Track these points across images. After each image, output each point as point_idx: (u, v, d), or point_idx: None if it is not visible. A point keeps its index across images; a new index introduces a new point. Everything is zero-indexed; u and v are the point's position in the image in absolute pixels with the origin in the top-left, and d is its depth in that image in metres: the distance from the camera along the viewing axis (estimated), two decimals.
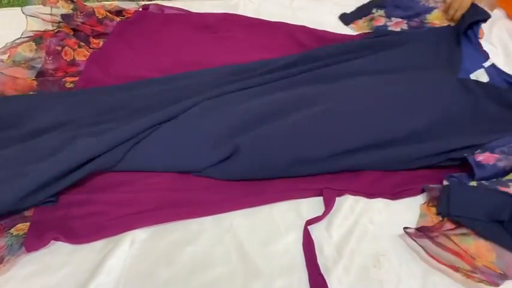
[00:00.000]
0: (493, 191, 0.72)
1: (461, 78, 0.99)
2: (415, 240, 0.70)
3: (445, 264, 0.68)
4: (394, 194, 0.80)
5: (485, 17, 1.03)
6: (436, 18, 1.15)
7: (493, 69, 1.00)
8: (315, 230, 0.75)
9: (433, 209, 0.77)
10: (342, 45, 1.11)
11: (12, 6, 1.47)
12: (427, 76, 0.98)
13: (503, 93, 0.94)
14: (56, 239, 0.76)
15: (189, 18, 1.27)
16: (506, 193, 0.71)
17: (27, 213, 0.78)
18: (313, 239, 0.74)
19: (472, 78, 0.99)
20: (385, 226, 0.76)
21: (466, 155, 0.79)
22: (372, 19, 1.22)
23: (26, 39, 1.14)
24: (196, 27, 1.24)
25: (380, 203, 0.79)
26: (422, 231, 0.72)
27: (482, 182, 0.74)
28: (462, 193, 0.73)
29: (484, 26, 1.15)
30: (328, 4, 1.33)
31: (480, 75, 0.99)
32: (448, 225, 0.73)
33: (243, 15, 1.27)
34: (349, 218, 0.77)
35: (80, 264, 0.73)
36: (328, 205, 0.77)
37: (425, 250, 0.70)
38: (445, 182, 0.76)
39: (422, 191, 0.80)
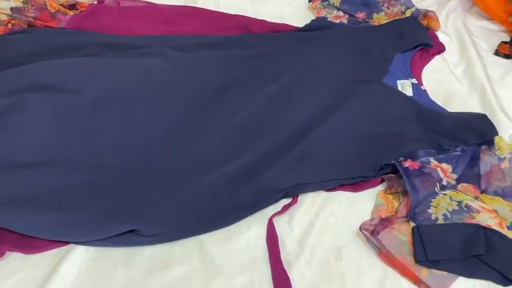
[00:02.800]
0: (461, 225, 0.70)
1: (387, 85, 0.98)
2: (369, 239, 0.70)
3: (393, 266, 0.69)
4: (355, 186, 0.80)
5: (427, 42, 1.06)
6: (378, 19, 1.16)
7: (417, 88, 0.97)
8: (277, 225, 0.74)
9: (390, 197, 0.77)
10: (275, 35, 1.12)
11: None
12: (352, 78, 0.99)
13: (425, 113, 0.90)
14: (11, 251, 0.72)
15: (145, 11, 1.23)
16: (475, 225, 0.69)
17: None
18: None
19: (398, 85, 0.98)
20: (346, 218, 0.76)
21: (393, 161, 0.80)
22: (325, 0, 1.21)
23: None
24: (153, 20, 1.21)
25: (341, 195, 0.79)
26: (377, 226, 0.72)
27: (447, 215, 0.72)
28: (434, 235, 0.69)
29: (440, 18, 1.16)
30: None
31: (405, 86, 0.97)
32: (402, 212, 0.74)
33: (201, 8, 1.24)
34: (311, 211, 0.77)
35: (33, 270, 0.70)
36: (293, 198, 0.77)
37: (377, 250, 0.70)
38: (411, 223, 0.72)
39: (382, 180, 0.80)
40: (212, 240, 0.73)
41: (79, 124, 0.81)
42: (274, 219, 0.74)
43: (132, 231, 0.71)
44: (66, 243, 0.73)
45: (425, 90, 0.97)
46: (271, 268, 0.69)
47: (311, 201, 0.78)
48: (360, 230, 0.71)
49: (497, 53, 1.08)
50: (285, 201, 0.78)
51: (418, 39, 1.07)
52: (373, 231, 0.71)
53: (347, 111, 0.91)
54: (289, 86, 0.96)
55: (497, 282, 0.66)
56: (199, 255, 0.71)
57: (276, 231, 0.73)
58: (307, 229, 0.74)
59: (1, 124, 0.79)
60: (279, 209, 0.76)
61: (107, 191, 0.75)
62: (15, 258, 0.72)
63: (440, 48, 1.09)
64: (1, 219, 0.72)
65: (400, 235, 0.71)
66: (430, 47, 1.08)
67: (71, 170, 0.77)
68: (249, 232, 0.74)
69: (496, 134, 0.83)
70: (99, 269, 0.70)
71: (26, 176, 0.76)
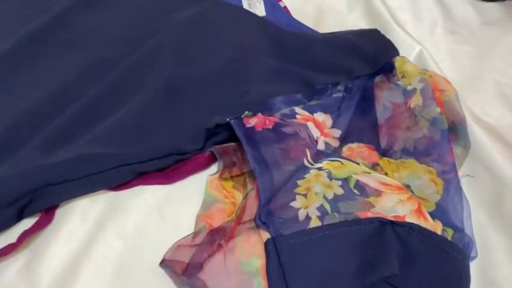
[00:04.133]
0: (351, 223, 0.37)
1: (225, 2, 0.60)
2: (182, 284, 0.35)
3: None
4: (166, 173, 0.43)
5: None
6: None
7: (272, 4, 0.63)
8: None
9: (227, 185, 0.42)
10: None
11: None
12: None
13: (286, 38, 0.56)
14: None
15: None
16: (375, 219, 0.37)
17: None
18: None
19: (244, 2, 0.63)
20: (137, 242, 0.39)
21: (228, 119, 0.44)
22: None
23: None
24: None
25: (143, 191, 0.42)
26: (195, 256, 0.36)
27: (324, 210, 0.38)
28: (304, 254, 0.36)
29: None
30: None
31: (254, 3, 0.63)
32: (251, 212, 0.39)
33: None
34: (80, 231, 0.39)
35: None
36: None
37: None
38: (264, 233, 0.38)
39: (212, 158, 0.44)
40: None
41: None
42: None
43: None
44: None
45: (285, 7, 0.62)
46: None
47: (81, 213, 0.40)
48: (161, 265, 0.35)
49: None
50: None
51: None
52: (188, 266, 0.34)
53: (159, 47, 0.53)
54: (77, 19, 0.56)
55: None
56: None
57: None
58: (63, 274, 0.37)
59: None
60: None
61: None
62: None
63: None
64: None
65: (246, 261, 0.36)
66: None
67: None
68: None
69: (397, 53, 0.51)
70: None
71: None
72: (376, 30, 0.56)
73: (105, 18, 0.58)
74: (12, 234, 0.38)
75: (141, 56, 0.52)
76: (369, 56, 0.51)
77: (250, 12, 0.60)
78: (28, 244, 0.38)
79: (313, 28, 0.60)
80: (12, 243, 0.37)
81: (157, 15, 0.58)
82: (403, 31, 0.58)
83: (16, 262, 0.37)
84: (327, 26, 0.61)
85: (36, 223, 0.39)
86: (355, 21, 0.63)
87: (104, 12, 0.58)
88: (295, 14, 0.62)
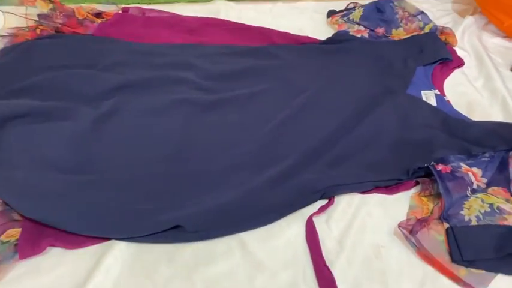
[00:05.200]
0: (494, 226, 0.73)
1: (411, 95, 1.01)
2: (408, 238, 0.72)
3: (432, 265, 0.71)
4: (390, 188, 0.82)
5: (447, 56, 1.11)
6: (398, 34, 1.20)
7: (441, 98, 1.00)
8: (315, 225, 0.76)
9: (425, 199, 0.80)
10: (300, 46, 1.16)
11: None
12: (377, 88, 1.02)
13: (451, 121, 0.93)
14: (52, 245, 0.73)
15: (170, 21, 1.26)
16: (507, 226, 0.72)
17: (17, 216, 0.74)
18: None
19: (422, 95, 1.01)
20: (382, 219, 0.78)
21: (426, 165, 0.82)
22: (345, 15, 1.26)
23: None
24: (177, 30, 1.24)
25: (376, 197, 0.81)
26: (415, 226, 0.74)
27: (479, 217, 0.74)
28: (468, 236, 0.72)
29: (457, 34, 1.21)
30: (306, 11, 1.36)
31: (429, 96, 1.01)
32: (437, 214, 0.76)
33: (225, 20, 1.27)
34: (348, 212, 0.79)
35: (74, 264, 0.71)
36: (329, 200, 0.79)
37: (416, 248, 0.72)
38: (446, 224, 0.74)
39: (416, 183, 0.82)
40: (252, 239, 0.74)
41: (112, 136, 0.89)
42: (313, 220, 0.76)
43: (174, 228, 0.73)
44: (107, 239, 0.73)
45: (448, 101, 1.00)
46: (313, 265, 0.70)
47: (347, 203, 0.80)
48: (399, 228, 0.73)
49: None
50: (322, 203, 0.80)
51: (439, 54, 1.11)
52: (411, 231, 0.72)
53: (375, 118, 0.94)
54: (317, 95, 0.99)
55: None
56: (241, 252, 0.72)
57: (316, 229, 0.74)
58: (345, 229, 0.76)
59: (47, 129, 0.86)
60: (316, 209, 0.78)
61: (152, 193, 0.77)
62: (55, 254, 0.72)
63: (460, 63, 1.13)
64: (43, 215, 0.73)
65: (437, 235, 0.73)
66: (450, 61, 1.11)
67: (111, 177, 0.80)
68: (289, 230, 0.75)
69: None
70: (142, 265, 0.71)
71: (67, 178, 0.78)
72: (511, 123, 0.92)
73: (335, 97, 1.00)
74: None
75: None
76: (506, 138, 0.86)
77: (428, 103, 0.98)
78: None
79: (467, 116, 0.97)
80: None
81: (374, 94, 0.99)
82: None
83: None
84: (474, 116, 0.97)
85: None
86: (495, 114, 0.99)
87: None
88: (454, 105, 1.00)
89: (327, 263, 0.70)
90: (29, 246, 0.71)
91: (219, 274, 0.70)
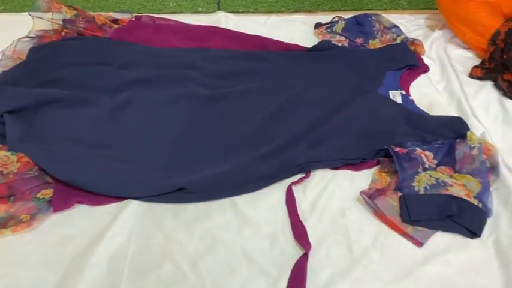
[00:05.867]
0: (438, 195, 0.89)
1: (381, 94, 1.19)
2: (367, 202, 0.90)
3: (385, 223, 0.88)
4: (356, 166, 0.99)
5: (415, 63, 1.31)
6: (374, 44, 1.39)
7: (405, 98, 1.19)
8: (294, 193, 0.93)
9: (384, 174, 0.97)
10: (289, 52, 1.36)
11: (9, 12, 1.58)
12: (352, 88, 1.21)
13: (412, 115, 1.11)
14: (80, 202, 0.90)
15: (177, 28, 1.45)
16: (448, 195, 0.88)
17: (49, 179, 0.91)
18: None
19: (390, 94, 1.20)
20: (349, 189, 0.95)
21: (386, 147, 0.99)
22: (329, 27, 1.45)
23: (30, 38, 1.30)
24: (183, 36, 1.42)
25: (344, 173, 0.98)
26: (374, 194, 0.91)
27: (427, 188, 0.90)
28: (416, 201, 0.89)
29: (425, 45, 1.40)
30: (296, 23, 1.55)
31: (396, 95, 1.19)
32: (393, 186, 0.93)
33: (225, 28, 1.46)
34: (320, 183, 0.96)
35: (97, 217, 0.87)
36: (306, 174, 0.97)
37: (374, 211, 0.90)
38: (399, 193, 0.90)
39: (378, 162, 1.00)
40: (243, 201, 0.91)
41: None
42: (292, 188, 0.93)
43: (179, 190, 0.90)
44: (124, 198, 0.90)
45: (412, 100, 1.18)
46: (290, 220, 0.87)
47: (321, 177, 0.97)
48: (360, 194, 0.90)
49: (471, 76, 1.30)
50: (300, 176, 0.97)
51: (407, 60, 1.30)
52: (370, 196, 0.90)
53: (349, 112, 1.11)
54: (302, 92, 1.18)
55: (465, 235, 0.86)
56: (233, 210, 0.89)
57: (294, 195, 0.92)
58: (318, 196, 0.93)
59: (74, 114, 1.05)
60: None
61: (162, 164, 0.96)
62: (81, 209, 0.89)
63: (425, 69, 1.32)
64: (73, 178, 0.89)
65: (392, 201, 0.90)
66: (417, 67, 1.30)
67: (127, 152, 0.99)
68: (272, 195, 0.93)
69: (468, 129, 1.04)
70: (151, 219, 0.88)
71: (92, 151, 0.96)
72: (460, 117, 1.10)
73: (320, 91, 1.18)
74: None
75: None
76: (455, 129, 1.04)
77: (394, 101, 1.17)
78: None
79: (427, 111, 1.14)
80: None
81: (350, 93, 1.17)
82: (476, 119, 1.11)
83: None
84: (434, 113, 1.15)
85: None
86: (451, 112, 1.17)
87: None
88: (417, 104, 1.18)
89: (301, 220, 0.87)
90: (61, 202, 0.88)
91: (214, 226, 0.86)
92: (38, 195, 0.89)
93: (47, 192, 0.90)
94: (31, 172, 0.90)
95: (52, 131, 0.99)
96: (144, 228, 0.86)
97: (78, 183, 0.89)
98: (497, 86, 1.25)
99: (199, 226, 0.87)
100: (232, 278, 0.78)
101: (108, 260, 0.80)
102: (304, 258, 0.80)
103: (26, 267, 0.79)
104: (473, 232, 0.86)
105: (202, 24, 1.48)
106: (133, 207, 0.89)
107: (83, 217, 0.88)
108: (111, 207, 0.89)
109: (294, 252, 0.82)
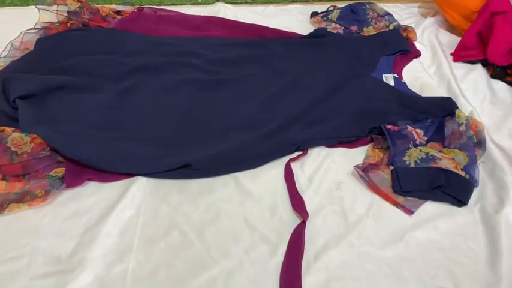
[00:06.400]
0: (427, 167, 0.95)
1: (375, 77, 1.25)
2: (361, 175, 0.96)
3: (378, 194, 0.94)
4: (350, 144, 1.05)
5: (407, 48, 1.36)
6: (368, 31, 1.45)
7: (398, 80, 1.25)
8: (292, 168, 0.98)
9: (377, 150, 1.03)
10: (286, 40, 1.41)
11: (15, 5, 1.63)
12: (347, 72, 1.26)
13: (404, 96, 1.17)
14: (90, 179, 0.95)
15: (177, 18, 1.51)
16: (437, 167, 0.94)
17: (61, 159, 0.97)
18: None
19: (383, 78, 1.25)
20: (344, 164, 1.00)
21: (380, 125, 1.05)
22: (325, 16, 1.51)
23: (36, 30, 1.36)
24: (184, 26, 1.48)
25: (340, 150, 1.04)
26: (367, 167, 0.97)
27: (417, 161, 0.96)
28: (407, 173, 0.95)
29: (418, 31, 1.46)
30: (293, 13, 1.61)
31: (389, 78, 1.25)
32: (386, 160, 0.99)
33: (224, 18, 1.52)
34: (317, 160, 1.01)
35: (107, 192, 0.93)
36: (304, 151, 1.03)
37: (366, 182, 0.95)
38: (391, 167, 0.97)
39: (371, 140, 1.05)
40: (244, 176, 0.97)
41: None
42: (290, 164, 0.99)
43: (184, 166, 0.96)
44: (132, 175, 0.96)
45: (404, 83, 1.24)
46: (288, 192, 0.93)
47: (317, 154, 1.03)
48: (354, 168, 0.96)
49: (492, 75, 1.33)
50: (298, 153, 1.02)
51: (399, 46, 1.36)
52: (364, 170, 0.95)
53: (343, 94, 1.17)
54: (300, 76, 1.24)
55: (453, 204, 0.92)
56: (235, 185, 0.95)
57: (292, 170, 0.97)
58: (314, 171, 0.99)
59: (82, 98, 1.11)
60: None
61: (166, 144, 1.02)
62: (92, 185, 0.95)
63: (417, 54, 1.37)
64: (85, 157, 0.95)
65: (384, 174, 0.96)
66: (409, 52, 1.36)
67: (133, 133, 1.05)
68: (272, 171, 0.98)
69: (457, 107, 1.10)
70: (159, 193, 0.93)
71: (101, 133, 1.02)
72: (449, 97, 1.15)
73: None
74: None
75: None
76: (445, 107, 1.10)
77: (387, 83, 1.22)
78: None
79: (419, 93, 1.20)
80: None
81: (345, 77, 1.23)
82: (465, 99, 1.16)
83: None
84: (426, 93, 1.21)
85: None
86: (441, 93, 1.22)
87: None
88: (410, 86, 1.23)
89: (299, 192, 0.93)
90: (73, 178, 0.94)
91: (217, 199, 0.92)
92: (51, 173, 0.94)
93: (59, 171, 0.95)
94: (44, 152, 0.96)
95: (62, 115, 1.05)
96: (152, 202, 0.92)
97: (89, 162, 0.95)
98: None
99: (203, 199, 0.92)
100: (235, 244, 0.84)
101: (119, 230, 0.86)
102: (302, 225, 0.85)
103: (43, 237, 0.84)
104: (461, 201, 0.91)
105: (202, 14, 1.53)
106: (141, 183, 0.94)
107: (94, 193, 0.93)
108: (120, 184, 0.95)
109: (293, 220, 0.88)
